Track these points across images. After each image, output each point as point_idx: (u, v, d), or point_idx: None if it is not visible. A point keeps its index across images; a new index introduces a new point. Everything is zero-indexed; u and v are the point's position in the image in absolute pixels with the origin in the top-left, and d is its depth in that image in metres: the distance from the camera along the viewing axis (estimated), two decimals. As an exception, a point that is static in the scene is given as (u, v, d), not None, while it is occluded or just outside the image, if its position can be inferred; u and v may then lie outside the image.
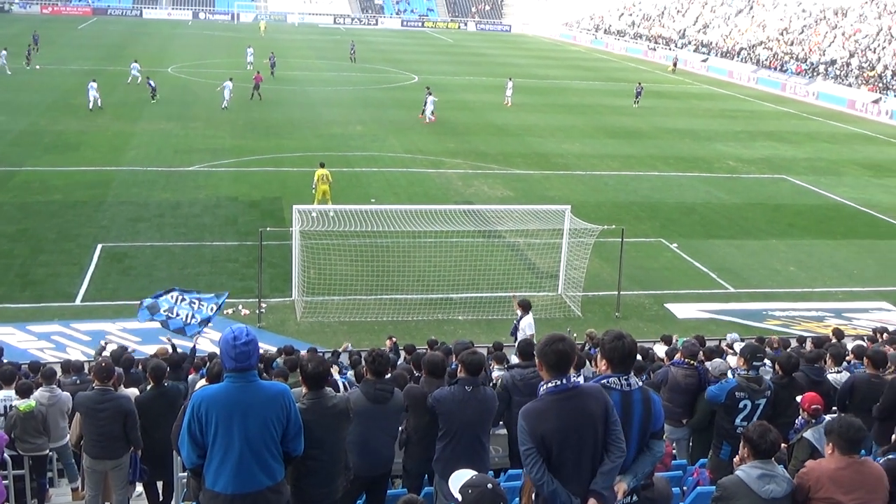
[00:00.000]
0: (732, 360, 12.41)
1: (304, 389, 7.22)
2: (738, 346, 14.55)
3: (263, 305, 21.45)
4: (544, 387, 5.61)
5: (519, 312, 17.32)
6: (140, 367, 13.71)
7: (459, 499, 4.61)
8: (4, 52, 55.44)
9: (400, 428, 8.88)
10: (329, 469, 7.21)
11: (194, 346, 15.11)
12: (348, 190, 31.61)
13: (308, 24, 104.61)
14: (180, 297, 15.23)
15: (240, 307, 21.47)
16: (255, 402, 6.13)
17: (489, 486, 4.50)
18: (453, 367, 10.16)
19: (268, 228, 22.95)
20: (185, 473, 9.35)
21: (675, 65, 78.54)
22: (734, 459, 6.85)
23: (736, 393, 9.52)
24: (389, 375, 8.80)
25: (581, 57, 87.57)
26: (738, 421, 9.51)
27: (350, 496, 8.22)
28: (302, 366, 7.32)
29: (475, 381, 8.31)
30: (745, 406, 9.49)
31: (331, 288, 22.19)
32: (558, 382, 5.56)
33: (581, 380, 6.29)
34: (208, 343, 17.79)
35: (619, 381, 5.82)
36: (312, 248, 22.99)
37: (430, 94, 46.86)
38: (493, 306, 22.05)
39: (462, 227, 24.16)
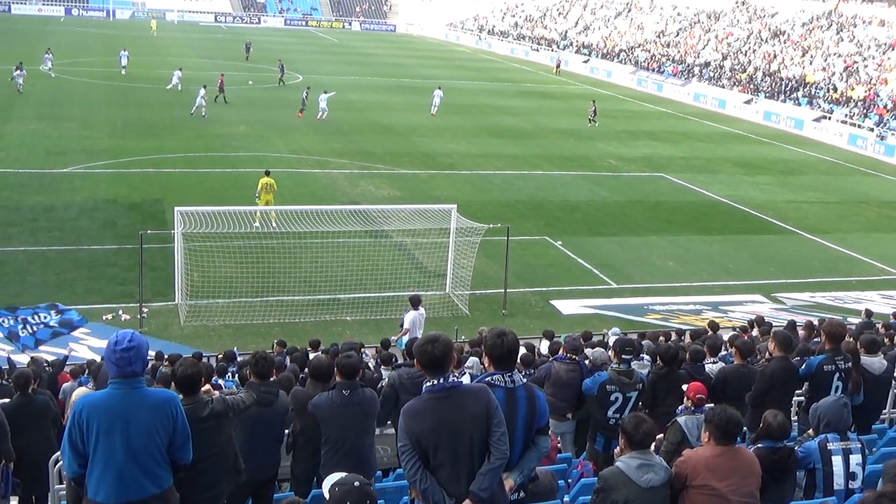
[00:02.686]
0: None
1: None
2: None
3: (145, 310, 20.89)
4: (425, 385, 5.64)
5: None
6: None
7: (327, 497, 4.56)
8: None
9: (286, 431, 8.76)
10: (212, 473, 7.06)
11: (66, 356, 14.63)
12: (232, 191, 31.08)
13: (188, 22, 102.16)
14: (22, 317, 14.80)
15: (120, 312, 20.85)
16: (139, 409, 5.95)
17: (356, 483, 4.45)
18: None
19: (148, 231, 22.36)
20: (62, 485, 9.03)
21: (558, 66, 79.91)
22: (615, 451, 7.02)
23: (607, 386, 9.81)
24: (274, 378, 8.69)
25: (466, 57, 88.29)
26: (610, 413, 9.79)
27: (236, 500, 8.08)
28: (173, 371, 7.16)
29: (353, 385, 8.11)
30: (617, 399, 9.78)
31: (215, 291, 21.76)
32: (436, 382, 5.58)
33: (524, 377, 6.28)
34: (86, 350, 17.23)
35: (503, 378, 5.88)
36: (196, 251, 22.51)
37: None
38: (381, 306, 22.04)
39: (349, 228, 24.06)
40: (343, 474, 4.63)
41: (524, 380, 6.02)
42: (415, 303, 18.00)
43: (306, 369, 10.86)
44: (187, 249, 22.09)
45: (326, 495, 4.58)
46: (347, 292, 22.63)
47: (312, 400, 8.21)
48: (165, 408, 6.05)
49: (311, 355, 13.71)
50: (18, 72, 47.73)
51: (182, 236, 21.66)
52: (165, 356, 15.49)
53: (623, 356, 10.02)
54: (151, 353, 16.08)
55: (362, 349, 14.87)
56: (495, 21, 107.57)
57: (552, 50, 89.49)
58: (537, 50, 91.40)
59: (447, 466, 5.54)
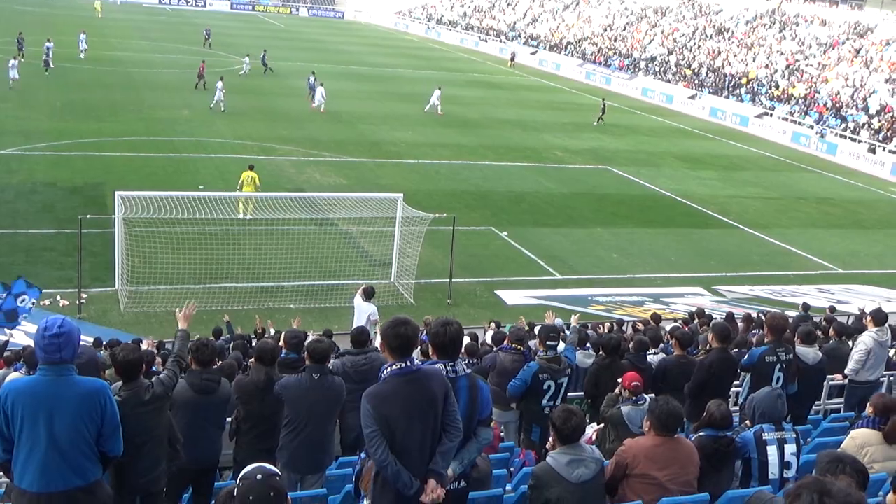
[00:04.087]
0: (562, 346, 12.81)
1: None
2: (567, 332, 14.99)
3: (84, 296, 20.52)
4: (388, 369, 5.64)
5: None
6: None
7: (234, 492, 4.27)
8: None
9: (228, 419, 8.71)
10: (154, 455, 7.00)
11: (6, 341, 14.31)
12: (175, 176, 30.66)
13: (131, 3, 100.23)
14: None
15: (58, 298, 20.46)
16: (65, 398, 5.81)
17: (258, 476, 4.18)
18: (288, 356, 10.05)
19: (87, 216, 21.93)
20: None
21: (513, 59, 79.54)
22: (546, 445, 7.08)
23: (539, 375, 9.85)
24: (217, 366, 8.63)
25: (414, 46, 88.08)
26: (544, 402, 9.84)
27: (176, 488, 8.03)
28: (113, 355, 7.04)
29: (322, 369, 8.29)
30: (549, 387, 9.83)
31: (157, 277, 21.46)
32: (402, 365, 5.60)
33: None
34: (22, 336, 16.88)
35: (445, 367, 5.90)
36: (137, 236, 22.18)
37: (320, 83, 47.85)
38: (326, 294, 21.94)
39: (294, 215, 23.87)
40: (251, 466, 4.35)
41: (467, 370, 6.04)
42: (369, 294, 17.94)
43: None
44: (128, 235, 21.75)
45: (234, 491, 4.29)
46: (292, 280, 22.48)
47: (280, 381, 8.28)
48: (94, 397, 5.90)
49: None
50: None
51: (123, 221, 21.31)
52: (104, 342, 15.24)
53: (548, 342, 10.08)
54: (89, 339, 15.83)
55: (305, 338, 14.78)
56: (444, 10, 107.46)
57: (501, 41, 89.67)
58: (486, 40, 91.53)
59: (412, 448, 5.57)
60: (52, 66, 49.35)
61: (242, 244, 23.52)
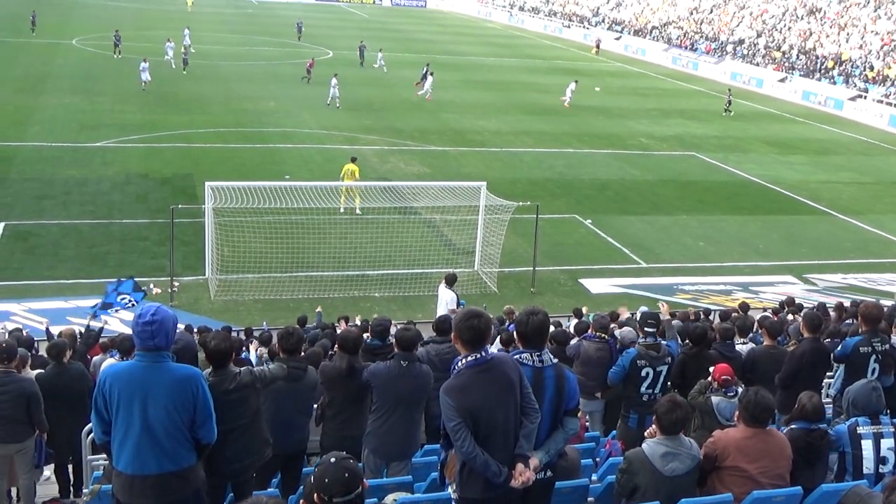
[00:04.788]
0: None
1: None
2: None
3: (176, 284, 21.06)
4: (462, 361, 5.63)
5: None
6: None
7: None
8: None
9: (315, 406, 8.85)
10: (240, 445, 7.13)
11: (101, 328, 14.76)
12: (262, 166, 31.20)
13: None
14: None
15: (151, 286, 21.00)
16: (159, 384, 5.96)
17: (332, 459, 4.43)
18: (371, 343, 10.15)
19: (179, 206, 22.49)
20: (94, 455, 9.16)
21: (598, 46, 78.00)
22: (646, 431, 7.00)
23: (637, 361, 9.77)
24: (304, 353, 8.77)
25: (497, 34, 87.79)
26: (643, 389, 9.77)
27: (265, 473, 8.18)
28: (205, 343, 7.19)
29: (410, 357, 8.40)
30: (648, 374, 9.75)
31: (245, 266, 21.89)
32: (477, 356, 5.59)
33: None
34: (118, 323, 17.43)
35: (532, 357, 5.87)
36: (226, 226, 22.64)
37: (430, 72, 48.12)
38: (409, 283, 22.07)
39: (378, 204, 24.07)
40: (328, 454, 4.59)
41: (554, 360, 6.00)
42: (451, 281, 18.00)
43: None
44: (217, 224, 22.22)
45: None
46: (376, 269, 22.68)
47: (369, 368, 8.40)
48: (186, 384, 6.03)
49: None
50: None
51: (212, 211, 21.78)
52: (195, 329, 15.62)
53: (646, 329, 9.98)
54: (181, 326, 16.23)
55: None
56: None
57: (584, 27, 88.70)
58: (569, 27, 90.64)
59: (496, 436, 5.58)
60: (188, 63, 50.04)
61: (328, 233, 23.80)
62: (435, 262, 23.14)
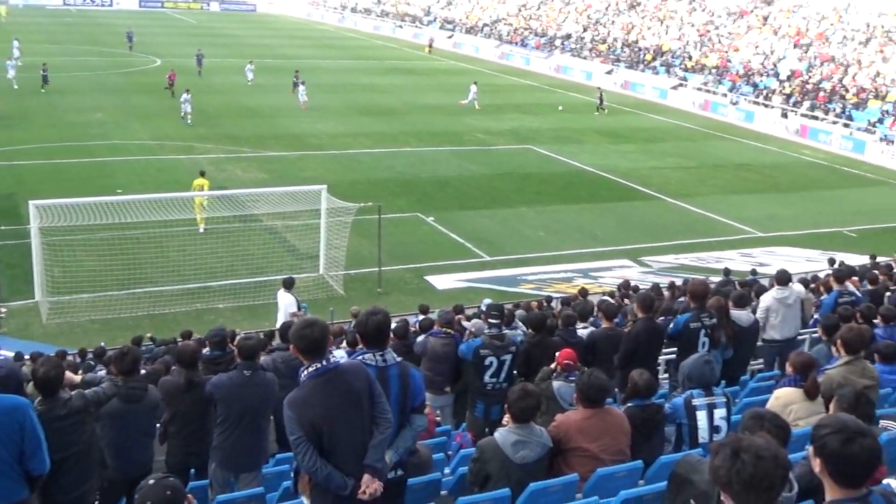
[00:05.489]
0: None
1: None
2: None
3: (3, 310, 19.96)
4: (305, 372, 5.56)
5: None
6: None
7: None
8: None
9: (157, 424, 8.57)
10: (77, 471, 6.84)
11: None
12: (92, 181, 29.91)
13: (34, 7, 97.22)
14: None
15: (-25, 315, 19.88)
16: None
17: (150, 481, 4.41)
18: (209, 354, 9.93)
19: (2, 227, 21.32)
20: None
21: (430, 45, 78.59)
22: (504, 419, 7.12)
23: (481, 350, 9.93)
24: (144, 373, 8.49)
25: (330, 36, 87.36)
26: (486, 378, 9.92)
27: (109, 498, 7.88)
28: (34, 371, 6.87)
29: (253, 366, 8.25)
30: (491, 363, 9.91)
31: (79, 286, 20.96)
32: (318, 365, 5.52)
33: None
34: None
35: (375, 356, 5.89)
36: (55, 245, 21.62)
37: (300, 81, 48.09)
38: (254, 292, 21.70)
39: (217, 214, 23.52)
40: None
41: (397, 358, 6.03)
42: (289, 285, 17.82)
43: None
44: (46, 244, 21.19)
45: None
46: (219, 279, 22.18)
47: (212, 380, 8.22)
48: (11, 415, 5.76)
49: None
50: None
51: (39, 231, 20.75)
52: (26, 356, 14.85)
53: (490, 320, 10.17)
54: (9, 354, 15.42)
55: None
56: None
57: (416, 26, 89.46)
58: (401, 27, 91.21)
59: (342, 447, 5.52)
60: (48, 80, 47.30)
61: (166, 246, 23.11)
62: (279, 268, 22.81)
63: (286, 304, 17.36)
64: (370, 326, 5.88)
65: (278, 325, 14.68)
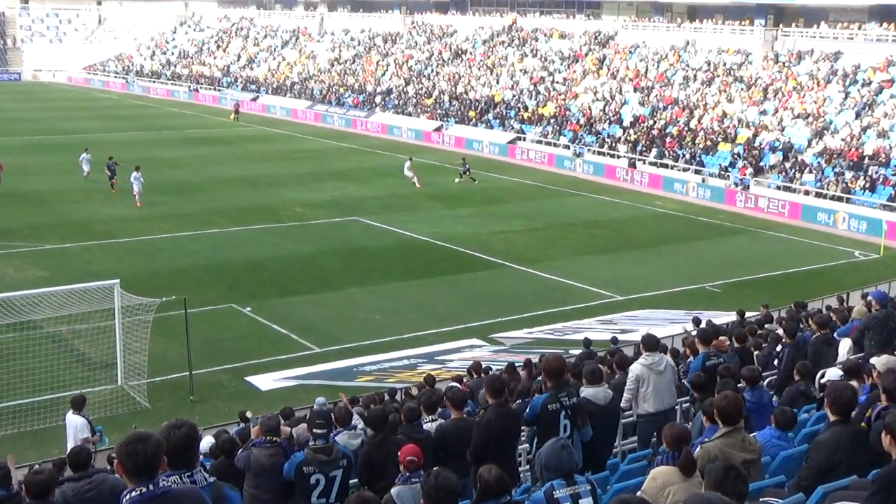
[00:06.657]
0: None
1: None
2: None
3: None
4: (126, 497, 5.35)
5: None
6: None
7: None
8: None
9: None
10: None
11: None
12: None
13: None
14: None
15: None
16: None
17: None
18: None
19: None
20: None
21: (237, 111, 77.33)
22: None
23: (304, 468, 9.64)
24: None
25: (114, 105, 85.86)
26: (314, 499, 9.61)
27: None
28: None
29: None
30: (318, 482, 9.59)
31: None
32: (143, 490, 5.33)
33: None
34: None
35: (181, 478, 5.73)
36: None
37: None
38: (38, 414, 20.67)
39: (-15, 324, 22.43)
40: None
41: (210, 479, 5.88)
42: (79, 405, 17.06)
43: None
44: None
45: None
46: (-7, 403, 21.07)
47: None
48: None
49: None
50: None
51: None
52: None
53: (315, 430, 9.94)
54: None
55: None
56: (143, 60, 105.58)
57: (216, 89, 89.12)
58: (198, 90, 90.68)
59: None
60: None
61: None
62: (69, 382, 21.87)
63: (75, 428, 16.60)
64: (173, 443, 5.71)
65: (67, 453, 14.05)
